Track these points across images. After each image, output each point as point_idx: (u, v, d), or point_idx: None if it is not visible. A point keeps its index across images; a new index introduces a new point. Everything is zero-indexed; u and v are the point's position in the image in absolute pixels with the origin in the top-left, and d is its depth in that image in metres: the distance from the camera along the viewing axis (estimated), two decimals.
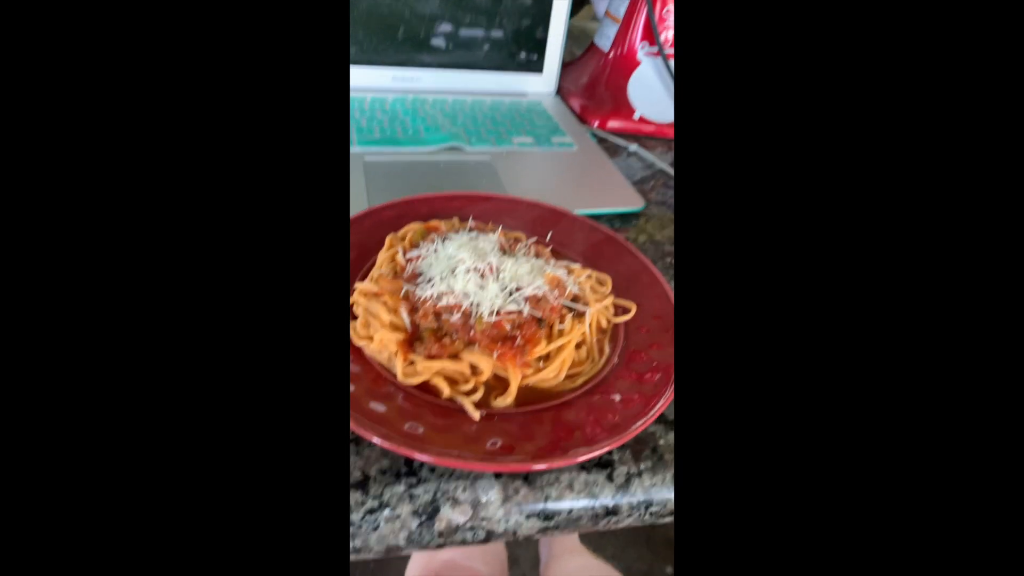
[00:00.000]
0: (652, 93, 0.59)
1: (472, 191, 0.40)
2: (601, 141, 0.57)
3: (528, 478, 0.25)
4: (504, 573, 0.59)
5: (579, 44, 0.85)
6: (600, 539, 1.08)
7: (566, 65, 0.66)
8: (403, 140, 0.47)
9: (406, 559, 0.59)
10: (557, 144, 0.52)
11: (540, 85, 0.61)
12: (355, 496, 0.23)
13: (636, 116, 0.59)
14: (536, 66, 0.60)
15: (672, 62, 0.57)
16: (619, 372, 0.29)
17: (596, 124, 0.59)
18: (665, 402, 0.26)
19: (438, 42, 0.55)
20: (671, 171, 0.53)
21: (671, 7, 0.56)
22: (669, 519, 0.27)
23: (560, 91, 0.62)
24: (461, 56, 0.57)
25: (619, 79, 0.59)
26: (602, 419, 0.26)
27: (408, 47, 0.55)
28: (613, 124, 0.59)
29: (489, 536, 0.25)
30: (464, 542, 0.25)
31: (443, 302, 0.27)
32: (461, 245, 0.30)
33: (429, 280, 0.28)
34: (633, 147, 0.56)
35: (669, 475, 0.26)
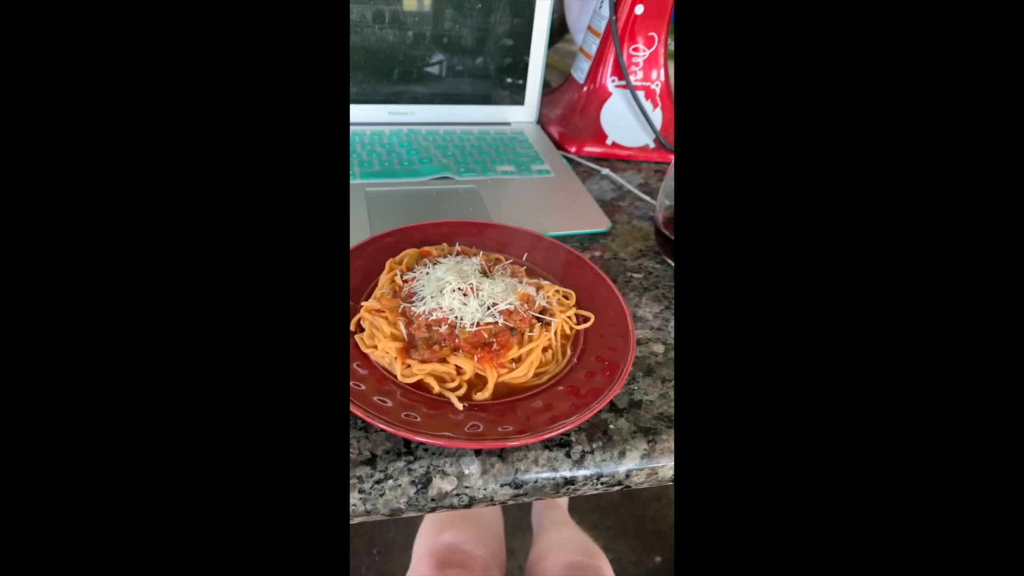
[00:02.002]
0: (623, 121, 0.65)
1: (460, 219, 0.47)
2: (576, 166, 0.63)
3: (502, 455, 0.32)
4: (502, 555, 0.65)
5: (560, 71, 0.92)
6: (593, 531, 1.14)
7: (546, 95, 0.73)
8: (400, 172, 0.54)
9: (411, 546, 0.66)
10: (536, 171, 0.58)
11: (522, 115, 0.67)
12: (365, 470, 0.30)
13: (609, 142, 0.66)
14: (518, 99, 0.66)
15: (640, 93, 0.64)
16: (577, 370, 0.35)
17: (573, 150, 0.66)
18: (612, 393, 0.33)
19: (429, 79, 0.62)
20: (638, 192, 0.60)
21: (638, 45, 0.63)
22: (616, 488, 0.34)
23: (541, 119, 0.69)
24: (450, 89, 0.64)
25: (593, 109, 0.65)
26: (561, 407, 0.32)
27: (402, 84, 0.62)
28: (589, 149, 0.66)
29: (472, 501, 0.31)
30: (452, 506, 0.31)
31: (433, 316, 0.34)
32: (448, 268, 0.37)
33: (422, 298, 0.35)
34: (605, 171, 0.63)
35: (616, 452, 0.33)
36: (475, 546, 0.54)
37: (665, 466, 0.33)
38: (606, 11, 0.62)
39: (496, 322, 0.34)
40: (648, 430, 0.34)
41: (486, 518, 0.62)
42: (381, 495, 0.29)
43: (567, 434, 0.33)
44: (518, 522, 1.12)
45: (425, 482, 0.30)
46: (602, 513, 1.17)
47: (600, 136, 0.66)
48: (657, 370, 0.38)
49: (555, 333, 0.37)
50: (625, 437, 0.34)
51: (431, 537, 0.55)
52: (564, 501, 0.99)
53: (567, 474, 0.32)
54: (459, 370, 0.34)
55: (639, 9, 0.60)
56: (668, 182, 0.47)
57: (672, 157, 0.46)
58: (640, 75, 0.64)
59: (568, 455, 0.32)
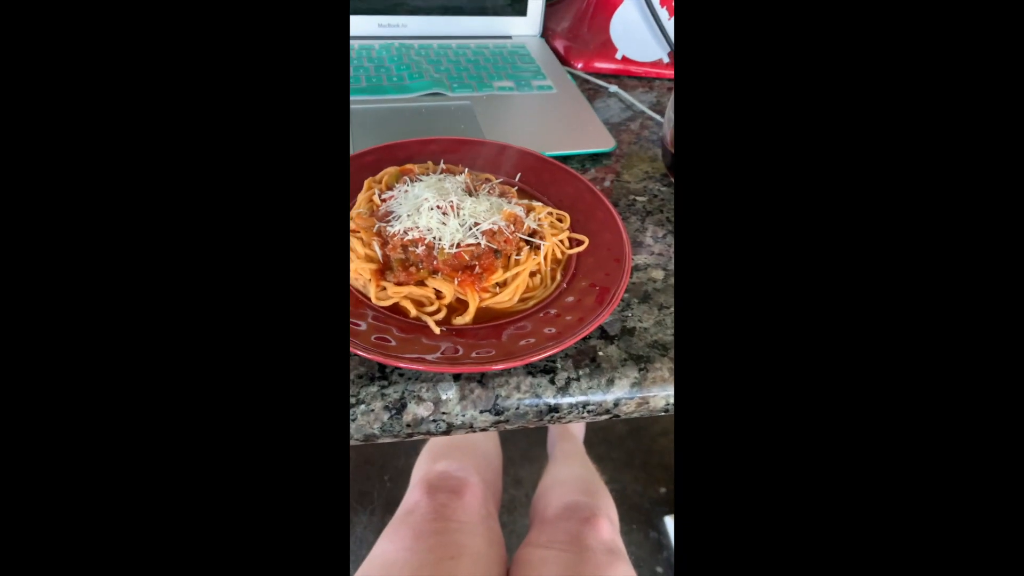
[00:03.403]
0: (634, 32, 0.59)
1: (448, 136, 0.43)
2: (583, 83, 0.58)
3: (482, 380, 0.30)
4: (498, 484, 0.66)
5: None
6: (600, 463, 1.16)
7: (551, 5, 0.66)
8: (388, 88, 0.50)
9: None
10: (537, 87, 0.54)
11: (524, 27, 0.62)
12: None
13: (619, 56, 0.60)
14: (520, 8, 0.60)
15: (655, 1, 0.58)
16: (566, 295, 0.33)
17: (580, 66, 0.60)
18: (600, 319, 0.31)
19: None
20: (649, 112, 0.55)
21: None
22: (604, 417, 0.32)
23: (545, 33, 0.63)
24: (445, 0, 0.58)
25: (601, 19, 0.60)
26: (545, 332, 0.30)
27: None
28: (598, 65, 0.61)
29: (450, 428, 0.30)
30: (429, 433, 0.30)
31: (409, 236, 0.31)
32: (428, 186, 0.34)
33: (398, 217, 0.32)
34: (613, 88, 0.58)
35: (604, 380, 0.31)
36: (468, 474, 0.54)
37: (657, 395, 0.32)
38: None
39: (479, 243, 0.32)
40: (640, 358, 0.32)
41: (481, 449, 0.62)
42: (353, 420, 0.28)
43: (552, 360, 0.31)
44: (526, 452, 1.15)
45: (399, 407, 0.29)
46: (609, 446, 1.18)
47: (609, 50, 0.60)
48: (654, 297, 0.36)
49: (544, 257, 0.34)
50: (615, 365, 0.32)
51: (425, 467, 0.56)
52: (580, 432, 1.00)
53: (551, 401, 0.30)
54: (438, 294, 0.32)
55: None
56: None
57: None
58: None
59: (552, 382, 0.31)
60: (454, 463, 0.56)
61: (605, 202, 0.39)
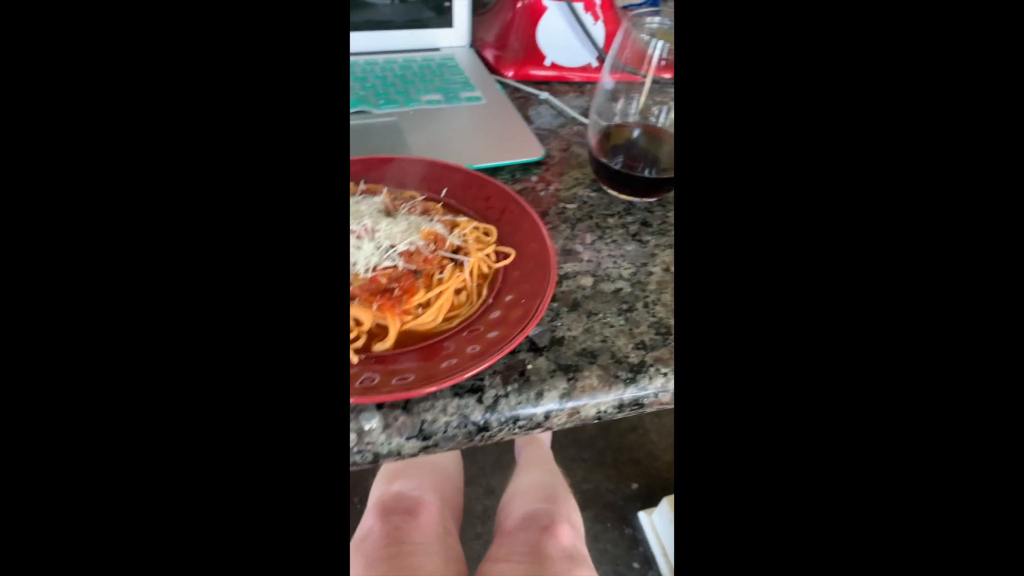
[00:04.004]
0: (561, 39, 0.60)
1: (371, 155, 0.43)
2: (513, 92, 0.59)
3: (406, 406, 0.29)
4: (458, 500, 0.65)
5: None
6: (572, 464, 1.16)
7: (480, 15, 0.66)
8: None
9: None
10: (466, 99, 0.53)
11: (452, 39, 0.61)
12: None
13: (547, 63, 0.61)
14: (446, 20, 0.60)
15: (578, 5, 0.59)
16: (491, 310, 0.33)
17: (511, 74, 0.60)
18: (523, 334, 0.30)
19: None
20: (580, 117, 0.55)
21: None
22: (536, 431, 0.32)
23: (475, 43, 0.63)
24: (371, 15, 0.58)
25: (528, 27, 0.60)
26: (468, 351, 0.30)
27: None
28: (531, 72, 0.61)
29: (376, 457, 0.29)
30: (355, 464, 0.29)
31: None
32: None
33: None
34: (544, 95, 0.58)
35: (533, 394, 0.31)
36: (423, 492, 0.53)
37: (587, 404, 0.32)
38: None
39: (395, 265, 0.31)
40: (569, 367, 0.32)
41: (440, 465, 0.61)
42: None
43: (479, 378, 0.31)
44: (498, 460, 1.14)
45: None
46: (579, 447, 1.19)
47: (537, 57, 0.60)
48: (583, 304, 0.36)
49: (470, 273, 0.34)
50: (543, 377, 0.32)
51: (381, 489, 0.55)
52: (546, 437, 1.00)
53: (479, 420, 0.30)
54: (356, 321, 0.31)
55: None
56: (598, 100, 0.43)
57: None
58: None
59: (480, 400, 0.30)
60: (410, 482, 0.55)
61: (530, 212, 0.39)
